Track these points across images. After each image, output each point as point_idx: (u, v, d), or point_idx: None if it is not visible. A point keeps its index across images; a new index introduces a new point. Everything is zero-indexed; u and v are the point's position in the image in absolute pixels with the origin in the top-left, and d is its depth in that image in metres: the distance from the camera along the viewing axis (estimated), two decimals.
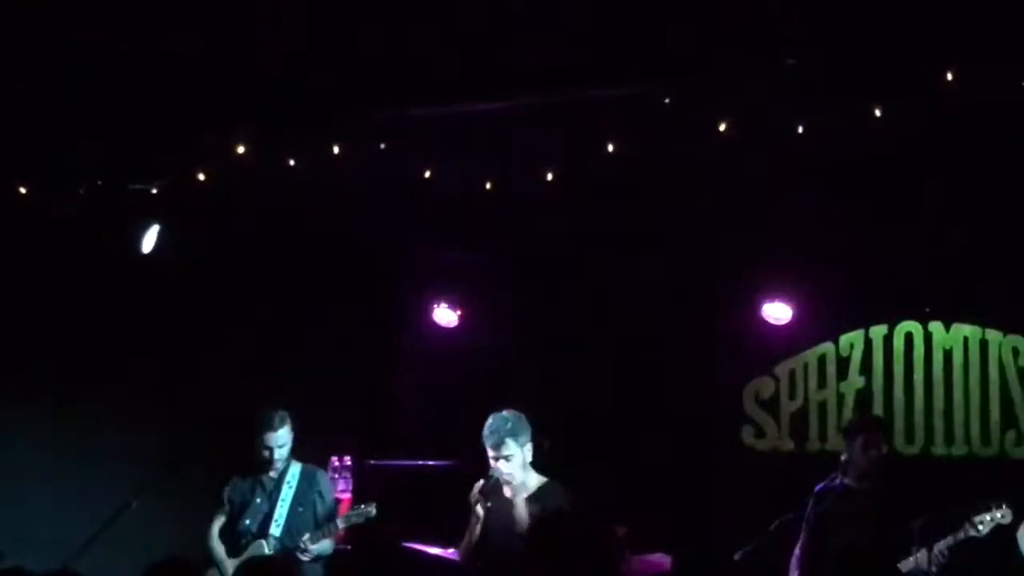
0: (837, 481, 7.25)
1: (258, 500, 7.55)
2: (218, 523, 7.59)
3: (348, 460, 9.17)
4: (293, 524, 7.51)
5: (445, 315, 9.54)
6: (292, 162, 7.84)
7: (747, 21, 6.37)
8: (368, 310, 9.54)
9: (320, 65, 7.29)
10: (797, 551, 7.25)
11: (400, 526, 8.51)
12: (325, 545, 7.52)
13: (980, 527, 6.84)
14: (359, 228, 8.82)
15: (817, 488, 7.27)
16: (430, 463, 9.13)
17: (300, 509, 7.56)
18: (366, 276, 9.39)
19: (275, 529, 7.49)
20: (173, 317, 9.01)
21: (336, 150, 7.65)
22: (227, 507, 7.60)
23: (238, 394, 8.75)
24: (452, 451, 8.84)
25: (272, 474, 7.54)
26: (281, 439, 7.46)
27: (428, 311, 9.55)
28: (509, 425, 6.70)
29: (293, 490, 7.57)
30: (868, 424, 7.63)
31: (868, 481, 7.22)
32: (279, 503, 7.51)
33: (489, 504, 6.82)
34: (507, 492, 6.87)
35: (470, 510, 6.96)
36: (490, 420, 6.79)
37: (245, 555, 7.29)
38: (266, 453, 7.45)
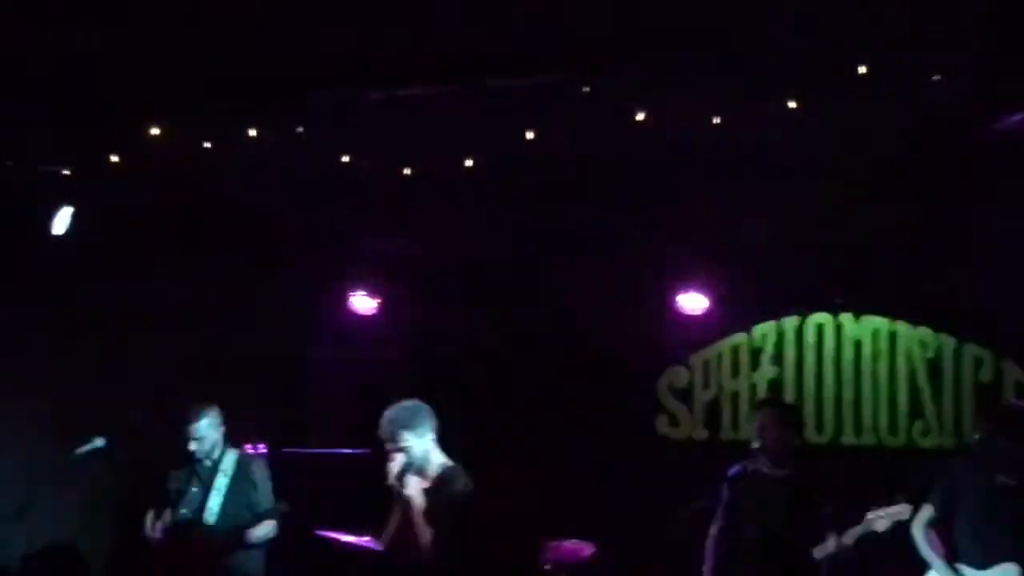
0: (750, 467, 7.34)
1: (194, 489, 7.54)
2: (153, 511, 7.59)
3: (262, 448, 9.12)
4: (228, 512, 7.49)
5: (363, 302, 9.52)
6: (207, 145, 7.72)
7: (666, 11, 6.39)
8: (286, 297, 9.47)
9: (238, 49, 7.19)
10: (712, 534, 7.33)
11: (314, 514, 8.50)
12: (266, 530, 7.50)
13: (880, 523, 6.94)
14: (277, 214, 8.74)
15: (730, 473, 7.36)
16: (345, 451, 9.09)
17: (234, 497, 7.54)
18: (284, 263, 9.31)
19: (209, 517, 7.46)
20: (87, 301, 8.88)
21: (252, 133, 7.54)
22: (167, 499, 7.61)
23: (154, 382, 8.65)
24: (367, 440, 8.80)
25: (208, 463, 7.56)
26: (200, 431, 7.47)
27: (346, 298, 9.52)
28: (406, 415, 6.56)
29: (228, 479, 7.55)
30: (772, 403, 7.68)
31: (779, 468, 7.31)
32: (213, 492, 7.50)
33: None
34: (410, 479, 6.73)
35: (386, 498, 6.87)
36: (387, 411, 6.65)
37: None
38: (191, 444, 7.47)
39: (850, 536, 6.95)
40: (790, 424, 7.37)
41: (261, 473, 7.69)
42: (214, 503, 7.46)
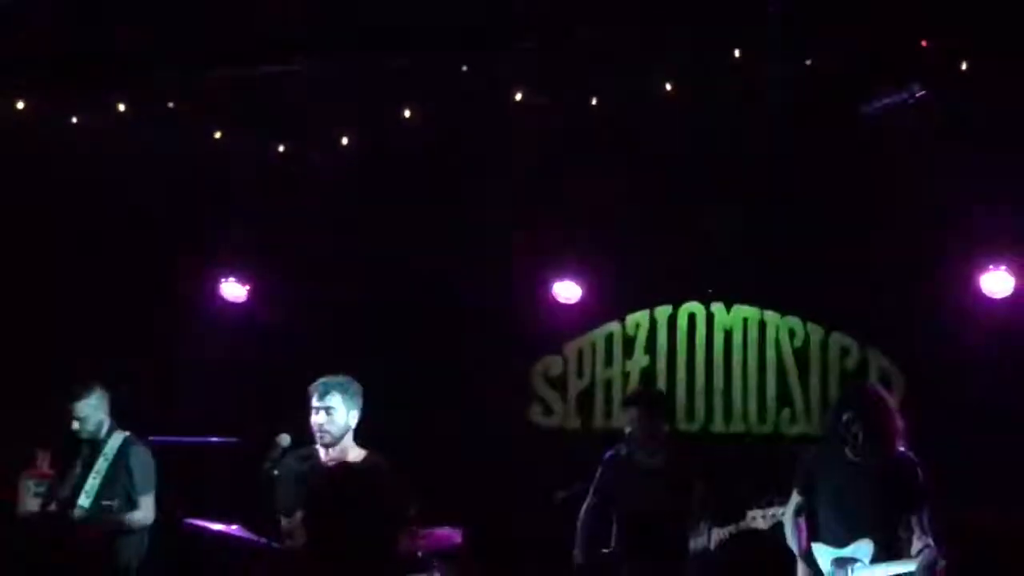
0: (624, 451, 7.38)
1: (77, 470, 7.44)
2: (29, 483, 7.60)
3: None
4: (102, 495, 7.36)
5: (233, 289, 9.36)
6: (75, 120, 7.52)
7: None
8: (156, 283, 9.25)
9: (112, 20, 7.03)
10: (581, 515, 7.35)
11: (182, 503, 8.31)
12: (142, 515, 7.38)
13: (761, 520, 7.03)
14: (147, 195, 8.54)
15: (604, 455, 7.39)
16: (213, 439, 8.91)
17: (109, 481, 7.42)
18: (154, 247, 9.11)
19: (83, 499, 7.33)
20: None
21: (122, 108, 7.37)
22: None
23: (25, 367, 8.40)
24: (236, 428, 8.65)
25: (92, 444, 7.45)
26: (81, 410, 7.36)
27: (215, 285, 9.35)
28: (343, 381, 6.52)
29: (108, 463, 7.43)
30: (639, 399, 7.63)
31: (651, 453, 7.36)
32: (92, 474, 7.39)
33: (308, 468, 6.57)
34: (323, 457, 6.61)
35: (258, 485, 6.71)
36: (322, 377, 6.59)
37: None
38: (72, 424, 7.38)
39: (724, 532, 7.03)
40: (659, 416, 7.43)
41: (139, 459, 7.53)
42: (90, 485, 7.35)
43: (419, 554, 8.18)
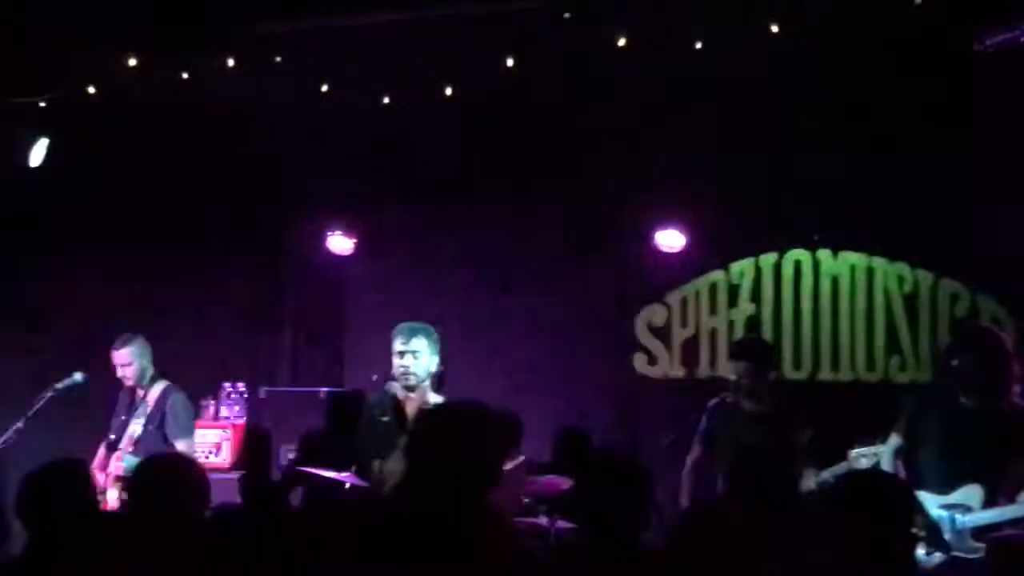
0: (729, 399, 7.36)
1: (122, 416, 7.76)
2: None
3: (241, 386, 9.13)
4: (143, 441, 7.61)
5: (340, 242, 9.48)
6: (185, 76, 7.66)
7: None
8: (264, 235, 9.43)
9: None
10: (687, 465, 7.35)
11: (293, 451, 8.51)
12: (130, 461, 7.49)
13: (864, 459, 6.96)
14: (253, 148, 8.67)
15: (708, 405, 7.38)
16: (323, 389, 9.08)
17: (150, 427, 7.69)
18: (259, 199, 9.26)
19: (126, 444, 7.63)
20: (59, 234, 8.82)
21: (230, 63, 7.48)
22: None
23: (128, 319, 8.60)
24: (345, 378, 8.81)
25: (139, 392, 7.74)
26: (122, 358, 7.66)
27: (323, 238, 9.48)
28: (424, 327, 6.66)
29: (148, 411, 7.71)
30: (747, 351, 7.51)
31: (757, 400, 7.33)
32: (133, 420, 7.70)
33: (387, 419, 6.73)
34: (408, 407, 6.75)
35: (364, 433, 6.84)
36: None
37: (110, 469, 7.57)
38: (117, 371, 7.70)
39: (831, 472, 6.98)
40: (766, 366, 7.38)
41: (175, 406, 7.78)
42: (133, 431, 7.65)
43: (526, 500, 8.29)
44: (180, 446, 7.64)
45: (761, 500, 7.00)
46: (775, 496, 6.97)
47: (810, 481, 6.98)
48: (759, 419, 7.22)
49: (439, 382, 6.86)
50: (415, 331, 6.60)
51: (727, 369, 7.52)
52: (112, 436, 7.73)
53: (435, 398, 6.67)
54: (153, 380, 7.75)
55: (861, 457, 6.88)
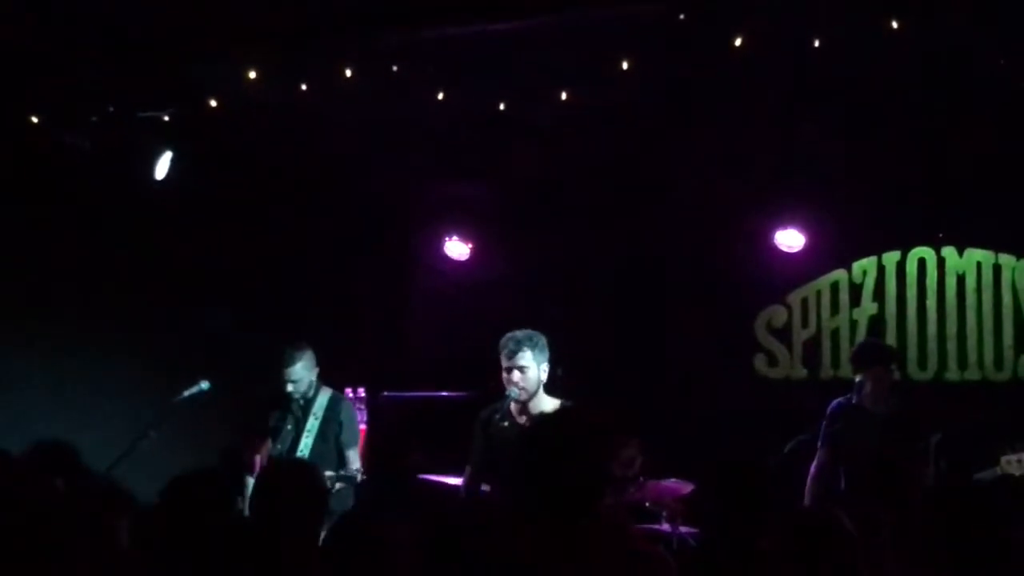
0: (853, 400, 7.26)
1: (288, 427, 7.75)
2: (248, 445, 7.76)
3: (362, 392, 9.19)
4: (317, 452, 7.64)
5: (457, 248, 9.54)
6: (304, 87, 7.76)
7: None
8: (381, 241, 9.52)
9: None
10: (813, 469, 7.26)
11: (415, 457, 8.54)
12: (352, 469, 7.64)
13: (1016, 465, 6.81)
14: (371, 157, 8.76)
15: (831, 407, 7.28)
16: (443, 395, 9.11)
17: (323, 438, 7.73)
18: (379, 207, 9.36)
19: (302, 455, 7.61)
20: (185, 246, 8.99)
21: (348, 73, 7.56)
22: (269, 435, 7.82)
23: (252, 325, 8.75)
24: (466, 383, 8.82)
25: (301, 403, 7.75)
26: (295, 374, 7.64)
27: (440, 244, 9.55)
28: (529, 337, 6.62)
29: (319, 420, 7.74)
30: (874, 359, 7.39)
31: (882, 404, 7.21)
32: (305, 432, 7.71)
33: (506, 424, 6.73)
34: (520, 418, 6.76)
35: (477, 437, 6.86)
36: (509, 333, 6.71)
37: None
38: (287, 387, 7.65)
39: (981, 479, 6.83)
40: (888, 370, 7.26)
41: (348, 413, 7.85)
42: (305, 443, 7.67)
43: (647, 504, 8.25)
44: (351, 454, 7.74)
45: (884, 503, 6.96)
46: (898, 499, 6.91)
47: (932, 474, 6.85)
48: (884, 422, 7.11)
49: (555, 383, 6.85)
50: (519, 343, 6.56)
51: (849, 369, 7.43)
52: (279, 446, 7.71)
53: (550, 403, 6.64)
54: (318, 388, 7.78)
55: (1013, 462, 6.74)
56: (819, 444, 7.29)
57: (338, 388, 9.08)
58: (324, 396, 7.79)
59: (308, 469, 4.86)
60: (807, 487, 7.27)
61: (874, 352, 7.49)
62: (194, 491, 4.48)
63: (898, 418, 7.14)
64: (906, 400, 7.30)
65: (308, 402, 7.73)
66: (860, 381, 7.21)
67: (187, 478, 4.55)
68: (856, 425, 7.17)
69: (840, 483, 7.25)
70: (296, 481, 4.52)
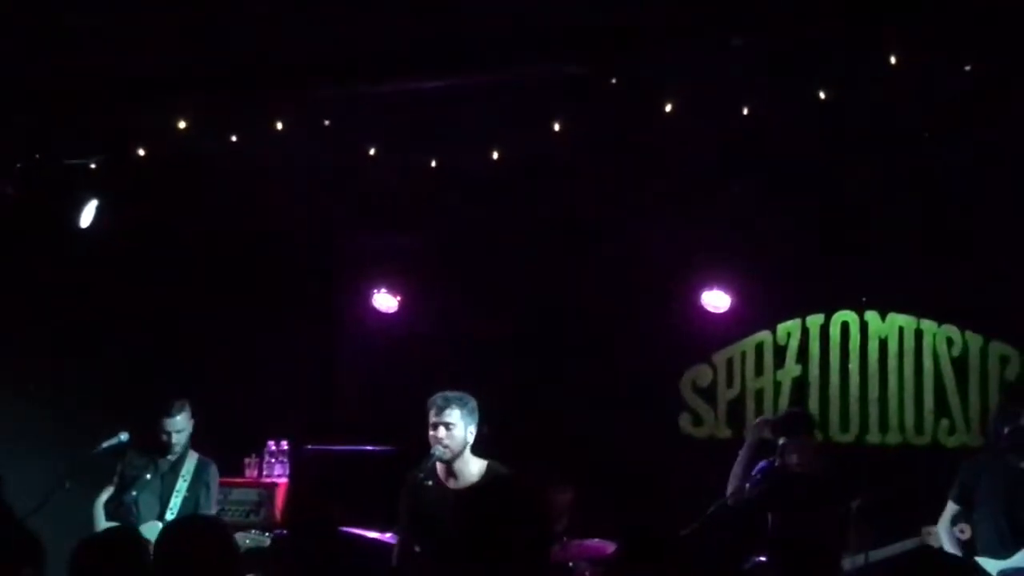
0: (777, 463, 7.29)
1: (148, 476, 7.59)
2: (105, 494, 7.65)
3: (284, 444, 9.14)
4: (183, 512, 7.54)
5: (385, 300, 9.51)
6: (234, 138, 7.73)
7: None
8: (308, 293, 9.48)
9: (264, 40, 7.19)
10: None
11: (337, 511, 8.45)
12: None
13: (935, 539, 6.91)
14: (302, 208, 8.74)
15: (756, 469, 7.30)
16: (368, 448, 9.06)
17: (191, 500, 7.65)
18: (307, 258, 9.32)
19: (170, 515, 7.52)
20: (107, 295, 8.88)
21: (279, 126, 7.54)
22: (117, 480, 7.65)
23: (173, 376, 8.64)
24: (390, 437, 8.78)
25: (170, 458, 7.63)
26: (177, 424, 7.55)
27: (368, 296, 9.52)
28: (460, 397, 6.59)
29: (187, 482, 7.66)
30: (795, 428, 7.36)
31: (807, 468, 7.24)
32: (174, 493, 7.61)
33: (431, 484, 6.68)
34: (448, 481, 6.62)
35: (402, 495, 6.79)
36: (440, 392, 6.68)
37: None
38: (164, 437, 7.55)
39: (901, 547, 6.90)
40: (812, 437, 7.34)
41: (214, 478, 7.81)
42: (174, 503, 7.57)
43: (570, 564, 8.24)
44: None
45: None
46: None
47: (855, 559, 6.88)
48: (808, 484, 7.13)
49: (482, 441, 6.81)
50: (448, 401, 6.53)
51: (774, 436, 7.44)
52: (133, 492, 7.53)
53: (476, 464, 6.62)
54: (186, 450, 7.67)
55: (934, 535, 6.81)
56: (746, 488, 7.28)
57: (260, 441, 9.05)
58: (192, 458, 7.69)
59: (218, 529, 4.76)
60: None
61: (799, 421, 7.52)
62: (104, 554, 4.39)
63: (822, 483, 7.17)
64: (832, 463, 7.34)
65: (177, 459, 7.62)
66: (783, 446, 7.24)
67: (96, 540, 4.46)
68: (780, 490, 7.19)
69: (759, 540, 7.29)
70: (206, 543, 4.41)
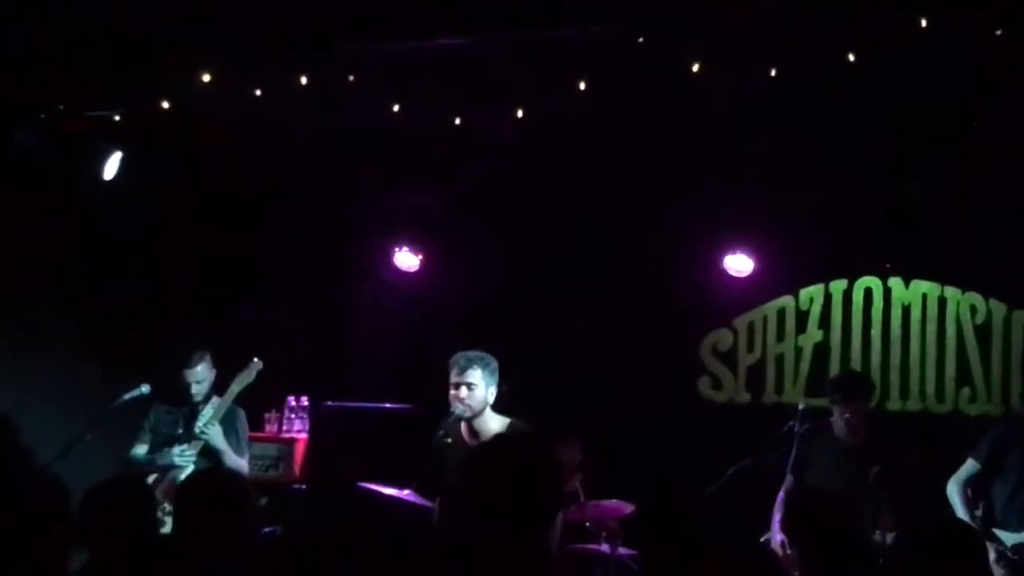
0: (820, 425, 7.21)
1: (180, 431, 7.65)
2: (140, 448, 7.69)
3: (304, 400, 9.16)
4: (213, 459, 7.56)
5: (406, 259, 9.51)
6: (258, 93, 7.70)
7: None
8: (330, 250, 9.47)
9: None
10: (781, 494, 7.21)
11: (355, 466, 8.49)
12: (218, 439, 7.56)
13: None
14: (324, 165, 8.72)
15: (798, 431, 7.18)
16: (386, 406, 9.09)
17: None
18: (328, 215, 9.31)
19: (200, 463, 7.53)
20: (131, 248, 8.89)
21: (303, 81, 7.51)
22: (148, 435, 7.69)
23: (196, 330, 8.66)
24: (410, 395, 8.81)
25: (197, 408, 7.66)
26: (198, 375, 7.62)
27: (390, 254, 9.52)
28: (481, 357, 6.61)
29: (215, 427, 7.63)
30: (853, 392, 7.23)
31: (857, 435, 7.11)
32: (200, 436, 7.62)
33: (450, 441, 6.71)
34: (469, 439, 6.64)
35: (427, 454, 6.81)
36: (462, 351, 6.69)
37: (165, 482, 7.38)
38: (185, 388, 7.63)
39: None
40: (868, 404, 7.24)
41: (243, 422, 7.82)
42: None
43: (587, 524, 8.26)
44: (244, 462, 7.70)
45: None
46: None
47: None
48: (849, 449, 7.05)
49: (501, 399, 6.82)
50: (470, 361, 6.54)
51: (792, 395, 7.40)
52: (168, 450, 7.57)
53: (497, 421, 6.63)
54: (210, 395, 7.70)
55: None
56: (788, 470, 7.23)
57: (280, 396, 9.07)
58: (216, 402, 7.69)
59: (233, 480, 4.77)
60: (774, 512, 7.20)
61: (859, 385, 7.41)
62: (113, 500, 4.39)
63: (863, 450, 7.05)
64: (880, 431, 7.23)
65: (202, 407, 7.64)
66: (837, 410, 7.10)
67: (104, 487, 4.45)
68: (827, 454, 7.13)
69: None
70: (221, 494, 4.42)
